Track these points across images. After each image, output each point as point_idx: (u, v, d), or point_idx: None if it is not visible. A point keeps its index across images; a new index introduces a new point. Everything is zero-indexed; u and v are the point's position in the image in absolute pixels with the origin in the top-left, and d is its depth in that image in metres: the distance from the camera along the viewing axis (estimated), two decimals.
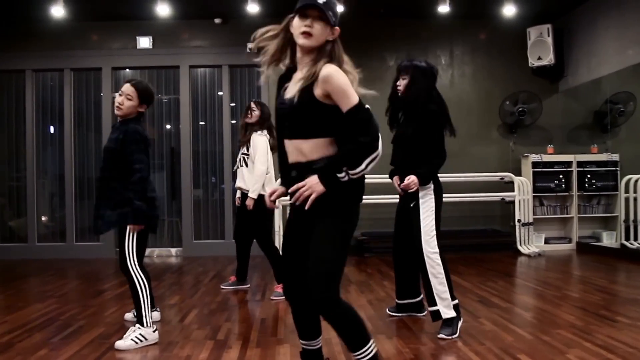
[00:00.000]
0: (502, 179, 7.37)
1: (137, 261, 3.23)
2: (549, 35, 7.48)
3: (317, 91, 2.04)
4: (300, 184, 2.05)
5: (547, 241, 7.54)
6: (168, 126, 7.99)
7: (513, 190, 7.26)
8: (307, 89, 2.05)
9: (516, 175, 7.37)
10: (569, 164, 7.47)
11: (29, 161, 7.67)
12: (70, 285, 5.41)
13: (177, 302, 4.49)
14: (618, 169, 7.27)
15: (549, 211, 7.62)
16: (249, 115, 4.77)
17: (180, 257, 7.47)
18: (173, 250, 7.71)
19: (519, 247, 7.16)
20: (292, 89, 2.11)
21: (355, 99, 2.03)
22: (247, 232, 4.84)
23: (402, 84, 3.43)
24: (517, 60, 7.76)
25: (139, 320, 3.19)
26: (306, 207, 2.03)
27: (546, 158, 7.49)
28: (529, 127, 7.81)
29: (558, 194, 7.50)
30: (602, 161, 7.36)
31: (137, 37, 7.64)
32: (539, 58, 7.58)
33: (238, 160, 4.86)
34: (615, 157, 7.28)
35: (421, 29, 7.70)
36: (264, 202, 3.82)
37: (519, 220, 7.21)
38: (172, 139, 7.92)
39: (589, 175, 7.41)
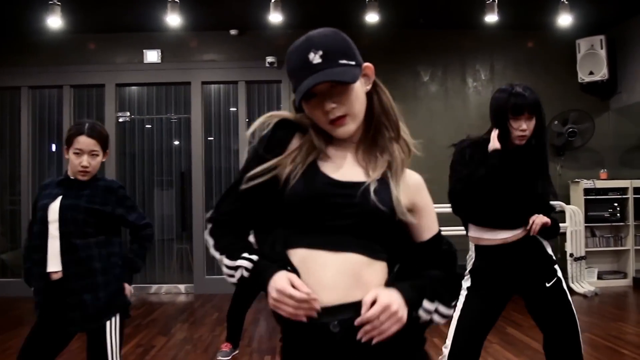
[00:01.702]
0: None
1: None
2: (602, 48, 6.72)
3: (404, 199, 1.27)
4: (385, 304, 1.14)
5: (599, 276, 6.75)
6: (176, 142, 7.26)
7: (564, 221, 6.49)
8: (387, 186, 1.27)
9: (565, 203, 6.60)
10: (624, 190, 6.71)
11: (24, 184, 6.98)
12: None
13: None
14: None
15: (602, 243, 6.84)
16: None
17: (192, 295, 6.70)
18: (182, 287, 6.94)
19: (572, 285, 6.36)
20: (355, 172, 1.28)
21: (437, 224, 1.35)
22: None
23: (529, 127, 2.30)
24: (564, 75, 7.00)
25: None
26: (374, 341, 1.15)
27: (599, 184, 6.72)
28: (577, 150, 7.04)
29: (612, 223, 6.73)
30: None
31: (144, 51, 6.90)
32: (591, 73, 6.81)
33: None
34: None
35: (459, 41, 6.95)
36: None
37: (571, 255, 6.42)
38: (183, 161, 7.20)
39: None
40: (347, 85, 1.22)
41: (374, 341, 1.14)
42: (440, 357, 2.46)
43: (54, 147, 7.19)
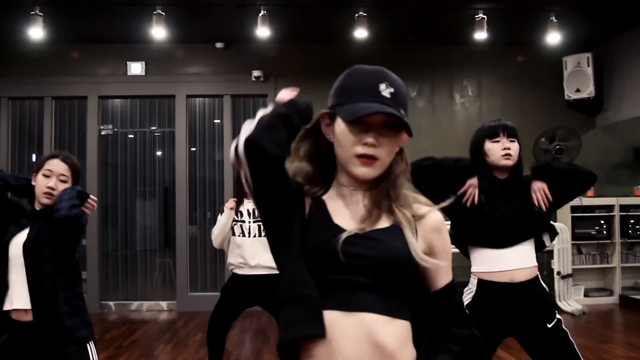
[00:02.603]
0: None
1: None
2: (588, 65, 6.74)
3: (421, 244, 1.20)
4: None
5: (586, 293, 6.73)
6: (159, 153, 7.12)
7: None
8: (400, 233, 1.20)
9: (552, 221, 6.57)
10: (610, 207, 6.71)
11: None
12: None
13: None
14: None
15: (588, 260, 6.83)
16: None
17: (174, 313, 6.55)
18: (164, 304, 6.78)
19: (559, 303, 6.32)
20: (362, 222, 1.20)
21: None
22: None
23: (512, 147, 2.33)
24: (551, 92, 7.01)
25: None
26: None
27: (586, 202, 6.71)
28: None
29: (599, 241, 6.73)
30: None
31: (127, 63, 6.78)
32: (577, 90, 6.83)
33: (246, 228, 3.62)
34: None
35: (446, 56, 6.92)
36: None
37: (559, 272, 6.39)
38: (166, 173, 7.05)
39: (632, 221, 6.65)
40: (399, 133, 1.19)
41: None
42: None
43: (34, 159, 7.02)
